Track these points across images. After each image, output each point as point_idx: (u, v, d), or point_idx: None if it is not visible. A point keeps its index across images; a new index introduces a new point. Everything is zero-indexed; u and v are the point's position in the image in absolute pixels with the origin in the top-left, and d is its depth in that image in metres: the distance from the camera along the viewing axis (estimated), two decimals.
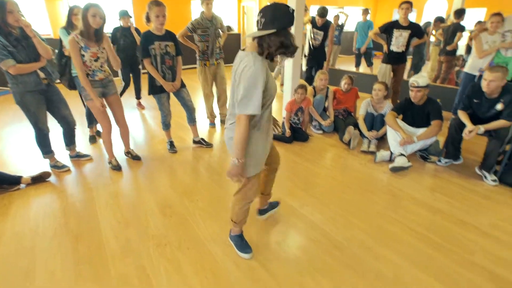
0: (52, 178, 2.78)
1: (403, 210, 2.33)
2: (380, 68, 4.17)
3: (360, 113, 3.53)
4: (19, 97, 2.48)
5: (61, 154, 3.11)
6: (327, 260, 1.82)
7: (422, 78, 2.96)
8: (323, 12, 4.26)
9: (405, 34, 3.83)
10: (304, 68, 4.83)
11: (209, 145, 3.42)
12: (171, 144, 3.33)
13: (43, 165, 2.91)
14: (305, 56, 4.75)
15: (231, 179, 1.53)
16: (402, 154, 2.94)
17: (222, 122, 4.16)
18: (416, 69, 5.59)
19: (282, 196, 2.48)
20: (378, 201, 2.43)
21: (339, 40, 6.70)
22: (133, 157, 3.11)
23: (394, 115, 3.12)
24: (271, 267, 1.77)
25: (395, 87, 4.18)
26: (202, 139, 3.44)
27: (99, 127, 3.72)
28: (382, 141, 3.44)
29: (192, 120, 3.28)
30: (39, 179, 2.68)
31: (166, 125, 3.24)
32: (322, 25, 4.34)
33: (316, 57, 4.53)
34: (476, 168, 2.87)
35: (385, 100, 3.49)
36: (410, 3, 3.68)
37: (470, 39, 3.53)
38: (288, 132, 3.53)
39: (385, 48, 4.08)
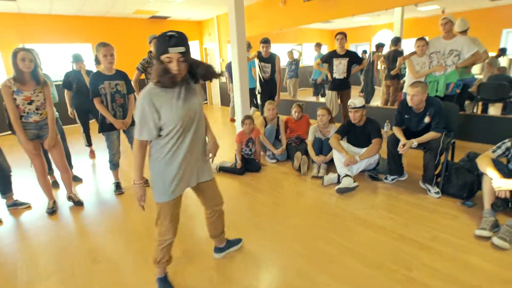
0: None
1: (345, 230, 2.28)
2: (327, 95, 4.36)
3: (308, 139, 3.59)
4: None
5: None
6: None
7: (358, 99, 3.10)
8: (265, 39, 4.50)
9: (344, 61, 4.08)
10: (259, 101, 4.98)
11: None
12: (117, 185, 3.22)
13: None
14: (258, 92, 4.92)
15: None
16: (347, 175, 2.96)
17: None
18: (367, 94, 5.90)
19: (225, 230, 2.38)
20: (322, 224, 2.38)
21: (296, 74, 7.03)
22: (75, 202, 2.97)
23: (338, 137, 3.19)
24: None
25: (344, 112, 4.34)
26: (147, 179, 3.34)
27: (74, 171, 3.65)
28: (331, 165, 3.47)
29: None
30: None
31: (114, 165, 3.16)
32: (268, 58, 4.57)
33: (268, 90, 4.70)
34: (420, 182, 2.91)
35: (330, 124, 3.59)
36: (344, 34, 3.98)
37: (403, 59, 3.80)
38: (239, 164, 3.52)
39: (329, 76, 4.30)
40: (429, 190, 2.75)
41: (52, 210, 2.81)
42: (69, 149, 3.54)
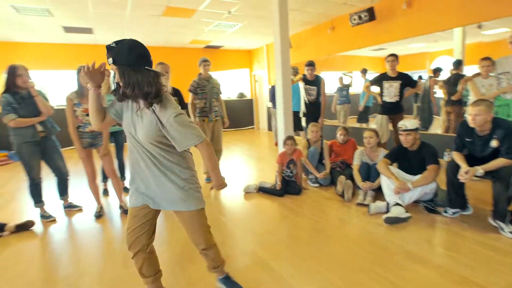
0: (38, 227, 2.83)
1: (392, 265, 2.00)
2: (376, 119, 4.11)
3: (354, 163, 3.36)
4: (17, 147, 2.75)
5: (56, 203, 3.23)
6: None
7: (410, 121, 2.85)
8: (310, 62, 4.49)
9: (395, 84, 3.84)
10: (304, 124, 4.89)
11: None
12: None
13: (35, 213, 2.99)
14: (303, 114, 4.85)
15: None
16: (398, 204, 2.66)
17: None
18: (424, 122, 5.43)
19: (256, 247, 2.27)
20: (365, 255, 2.12)
21: (348, 99, 6.83)
22: (124, 211, 3.09)
23: (387, 162, 2.93)
24: None
25: (395, 137, 4.02)
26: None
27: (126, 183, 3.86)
28: (379, 193, 3.16)
29: None
30: (23, 227, 2.75)
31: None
32: (314, 80, 4.52)
33: (313, 112, 4.60)
34: (489, 218, 2.48)
35: (379, 148, 3.33)
36: (395, 56, 3.78)
37: (465, 81, 3.44)
38: (278, 185, 3.41)
39: (378, 99, 4.07)
40: (502, 229, 2.32)
41: (99, 215, 2.99)
42: (123, 161, 3.77)
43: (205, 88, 3.84)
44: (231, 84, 9.00)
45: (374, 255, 2.12)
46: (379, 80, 3.97)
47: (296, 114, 4.86)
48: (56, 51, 7.19)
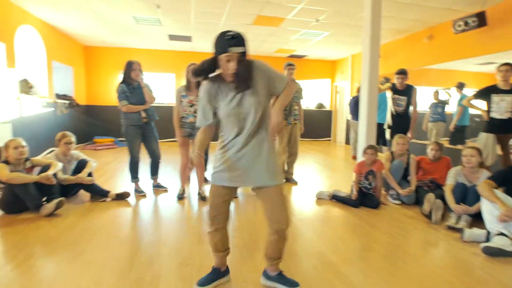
0: (131, 199, 3.28)
1: None
2: (479, 138, 3.55)
3: (448, 182, 2.95)
4: (124, 128, 3.28)
5: (147, 182, 3.69)
6: None
7: None
8: (401, 70, 4.13)
9: (509, 98, 3.26)
10: (388, 137, 4.53)
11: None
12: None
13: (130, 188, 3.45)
14: (388, 126, 4.50)
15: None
16: (503, 234, 2.23)
17: (287, 180, 4.13)
18: None
19: (325, 250, 2.17)
20: (453, 282, 1.83)
21: (443, 118, 6.11)
22: (201, 198, 3.33)
23: (492, 184, 2.49)
24: None
25: (505, 160, 3.40)
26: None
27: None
28: (477, 220, 2.70)
29: None
30: (121, 196, 3.24)
31: None
32: (404, 90, 4.15)
33: (401, 125, 4.22)
34: None
35: (481, 169, 2.87)
36: (510, 65, 3.22)
37: None
38: (354, 195, 3.21)
39: (484, 116, 3.52)
40: None
41: (181, 196, 3.30)
42: (208, 153, 4.08)
43: None
44: (311, 94, 8.97)
45: (465, 285, 1.81)
46: (487, 93, 3.43)
47: (380, 127, 4.55)
48: (160, 56, 8.30)
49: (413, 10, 4.78)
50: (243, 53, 1.40)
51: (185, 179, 3.39)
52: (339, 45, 7.36)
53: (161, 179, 3.74)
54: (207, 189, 3.70)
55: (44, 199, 2.81)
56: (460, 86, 5.93)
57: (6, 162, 2.77)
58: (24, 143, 2.86)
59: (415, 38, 6.03)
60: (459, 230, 2.52)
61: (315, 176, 4.67)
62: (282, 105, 1.52)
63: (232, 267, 1.81)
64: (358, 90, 6.43)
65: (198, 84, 3.09)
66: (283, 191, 1.55)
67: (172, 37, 7.04)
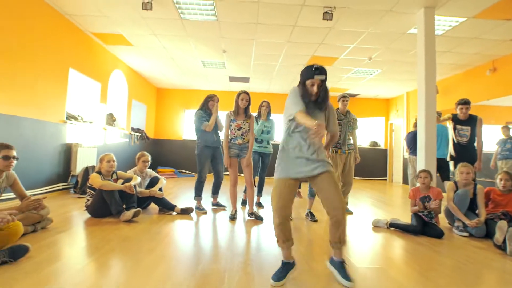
0: (193, 215, 3.56)
1: None
2: None
3: None
4: (199, 149, 3.71)
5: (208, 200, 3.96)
6: None
7: None
8: (465, 100, 4.04)
9: None
10: (452, 168, 4.31)
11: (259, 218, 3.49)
12: (311, 214, 3.60)
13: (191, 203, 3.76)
14: (451, 157, 4.31)
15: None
16: None
17: None
18: None
19: (386, 267, 2.14)
20: None
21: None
22: (257, 217, 3.50)
23: None
24: None
25: None
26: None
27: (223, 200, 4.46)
28: None
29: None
30: (185, 211, 3.55)
31: (312, 193, 3.61)
32: (467, 120, 4.02)
33: (465, 156, 4.01)
34: None
35: None
36: None
37: None
38: (415, 209, 3.08)
39: None
40: None
41: (233, 217, 3.46)
42: (264, 178, 4.30)
43: (341, 122, 4.07)
44: (364, 132, 8.91)
45: None
46: None
47: (439, 162, 4.37)
48: (220, 96, 9.13)
49: (473, 43, 4.77)
50: (324, 81, 1.87)
51: (235, 198, 3.55)
52: (392, 82, 7.42)
53: (220, 198, 4.02)
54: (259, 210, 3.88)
55: (124, 206, 3.24)
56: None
57: (99, 172, 3.31)
58: (114, 158, 3.41)
59: (476, 72, 5.87)
60: None
61: (371, 209, 4.54)
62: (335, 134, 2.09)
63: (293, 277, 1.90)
64: (415, 125, 6.30)
65: (245, 110, 3.47)
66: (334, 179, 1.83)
67: (232, 79, 7.82)
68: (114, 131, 6.46)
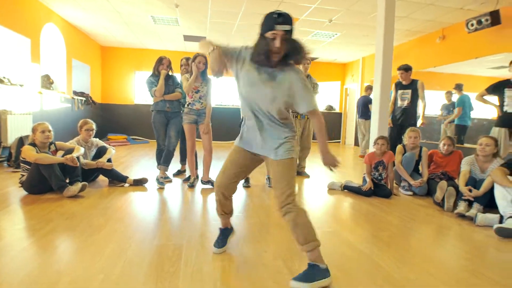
0: (148, 185, 3.38)
1: (505, 271, 1.70)
2: (492, 132, 3.56)
3: (462, 168, 2.97)
4: (153, 116, 3.51)
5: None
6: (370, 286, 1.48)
7: None
8: (404, 66, 4.23)
9: None
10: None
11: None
12: (246, 179, 3.54)
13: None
14: (392, 121, 4.52)
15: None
16: None
17: (299, 173, 4.19)
18: None
19: (340, 230, 2.23)
20: (470, 258, 1.87)
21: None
22: (212, 183, 3.41)
23: (504, 171, 2.52)
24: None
25: None
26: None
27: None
28: (487, 208, 2.70)
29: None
30: (139, 182, 3.35)
31: None
32: (409, 84, 4.25)
33: (405, 119, 4.26)
34: None
35: (493, 158, 2.89)
36: None
37: None
38: (367, 185, 3.24)
39: (497, 111, 3.55)
40: None
41: (192, 185, 3.39)
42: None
43: None
44: (321, 97, 9.04)
45: (481, 260, 1.85)
46: (500, 87, 3.47)
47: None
48: (174, 56, 8.49)
49: (426, 9, 4.85)
50: (289, 32, 1.42)
51: (193, 167, 3.46)
52: (350, 47, 7.46)
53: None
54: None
55: (67, 180, 2.93)
56: (459, 87, 5.98)
57: (33, 144, 2.92)
58: (50, 127, 3.01)
59: (427, 39, 6.09)
60: (470, 218, 2.54)
61: (326, 172, 4.72)
62: (324, 144, 1.62)
63: (252, 246, 1.88)
64: (366, 90, 6.51)
65: (202, 73, 3.26)
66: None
67: (187, 38, 7.24)
68: (52, 95, 5.73)
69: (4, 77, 4.46)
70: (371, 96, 5.76)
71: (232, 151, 1.70)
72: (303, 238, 1.47)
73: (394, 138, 4.26)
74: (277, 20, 1.40)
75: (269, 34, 1.42)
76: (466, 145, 5.74)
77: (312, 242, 1.47)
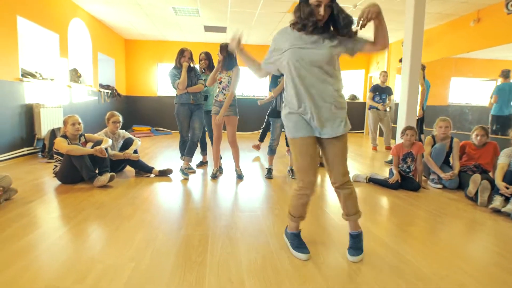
0: (173, 175, 3.46)
1: None
2: None
3: (500, 161, 2.78)
4: (176, 108, 3.55)
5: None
6: (401, 284, 1.44)
7: None
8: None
9: None
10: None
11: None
12: (269, 170, 3.54)
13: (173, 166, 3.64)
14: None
15: None
16: None
17: (321, 165, 4.13)
18: None
19: (367, 224, 2.18)
20: (503, 253, 1.77)
21: None
22: (238, 176, 3.45)
23: None
24: (327, 271, 1.54)
25: None
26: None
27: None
28: None
29: None
30: (164, 173, 3.43)
31: (272, 150, 3.54)
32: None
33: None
34: None
35: None
36: None
37: None
38: (393, 179, 3.13)
39: None
40: None
41: (215, 176, 3.43)
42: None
43: None
44: (345, 86, 8.80)
45: None
46: None
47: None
48: (195, 48, 8.53)
49: None
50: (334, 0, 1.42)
51: (217, 157, 3.45)
52: None
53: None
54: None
55: (96, 171, 3.05)
56: (506, 74, 5.55)
57: (65, 136, 3.04)
58: (80, 120, 3.13)
59: (460, 23, 5.72)
60: (507, 215, 2.40)
61: (350, 163, 4.62)
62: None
63: (276, 238, 1.88)
64: (380, 77, 6.04)
65: (224, 62, 3.16)
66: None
67: (208, 28, 7.22)
68: (80, 88, 5.94)
69: (36, 72, 4.67)
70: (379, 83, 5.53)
71: (299, 145, 1.59)
72: (355, 209, 1.67)
73: None
74: None
75: (313, 1, 1.41)
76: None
77: (359, 212, 1.69)
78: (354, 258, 1.63)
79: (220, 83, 3.25)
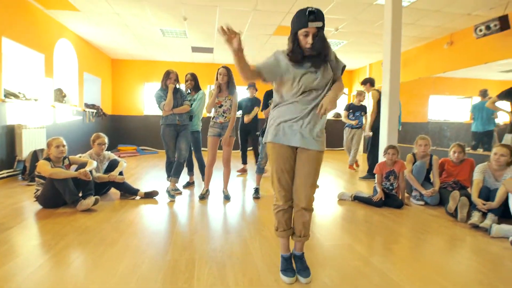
0: (159, 197, 3.41)
1: None
2: (505, 140, 3.51)
3: (475, 177, 2.91)
4: (162, 129, 3.54)
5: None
6: None
7: None
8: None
9: None
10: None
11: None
12: (256, 190, 3.56)
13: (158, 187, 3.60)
14: None
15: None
16: None
17: None
18: None
19: (351, 243, 2.21)
20: (485, 272, 1.83)
21: None
22: (225, 196, 3.45)
23: None
24: None
25: None
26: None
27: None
28: (504, 220, 2.66)
29: None
30: (149, 195, 3.38)
31: (260, 169, 3.56)
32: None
33: None
34: None
35: (507, 167, 2.84)
36: None
37: None
38: (377, 196, 3.21)
39: (509, 117, 3.50)
40: None
41: (203, 197, 3.41)
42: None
43: None
44: None
45: (497, 273, 1.81)
46: (511, 93, 3.44)
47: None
48: (182, 68, 8.65)
49: (434, 16, 4.85)
50: (321, 29, 1.50)
51: (208, 179, 3.46)
52: (357, 54, 7.46)
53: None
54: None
55: (80, 194, 2.99)
56: (483, 93, 5.87)
57: (48, 159, 2.99)
58: (64, 142, 3.09)
59: (435, 45, 6.06)
60: (484, 229, 2.49)
61: (335, 181, 4.70)
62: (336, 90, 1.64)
63: (266, 257, 1.89)
64: (356, 96, 6.17)
65: (227, 86, 3.28)
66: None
67: (195, 49, 7.36)
68: (65, 108, 5.87)
69: (19, 92, 4.61)
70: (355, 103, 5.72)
71: (275, 154, 1.67)
72: (306, 231, 1.71)
73: None
74: (309, 17, 1.46)
75: (301, 32, 1.50)
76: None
77: (309, 234, 1.74)
78: (307, 279, 1.65)
79: (220, 107, 3.31)
